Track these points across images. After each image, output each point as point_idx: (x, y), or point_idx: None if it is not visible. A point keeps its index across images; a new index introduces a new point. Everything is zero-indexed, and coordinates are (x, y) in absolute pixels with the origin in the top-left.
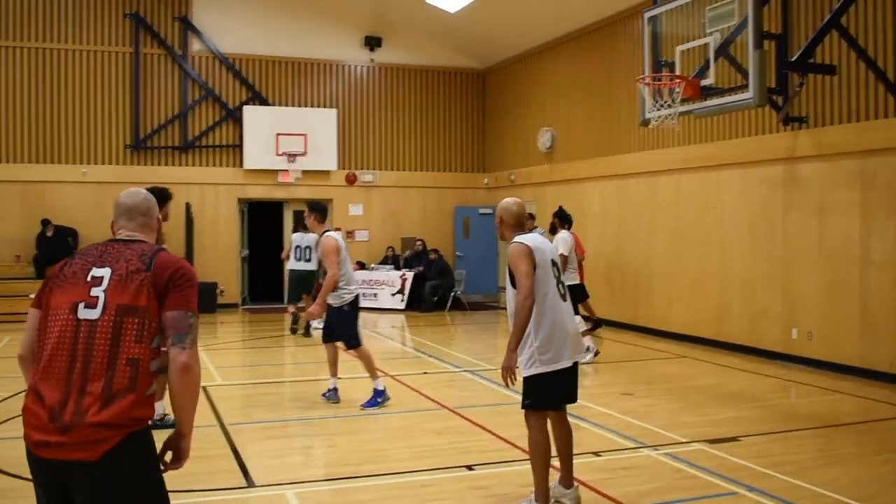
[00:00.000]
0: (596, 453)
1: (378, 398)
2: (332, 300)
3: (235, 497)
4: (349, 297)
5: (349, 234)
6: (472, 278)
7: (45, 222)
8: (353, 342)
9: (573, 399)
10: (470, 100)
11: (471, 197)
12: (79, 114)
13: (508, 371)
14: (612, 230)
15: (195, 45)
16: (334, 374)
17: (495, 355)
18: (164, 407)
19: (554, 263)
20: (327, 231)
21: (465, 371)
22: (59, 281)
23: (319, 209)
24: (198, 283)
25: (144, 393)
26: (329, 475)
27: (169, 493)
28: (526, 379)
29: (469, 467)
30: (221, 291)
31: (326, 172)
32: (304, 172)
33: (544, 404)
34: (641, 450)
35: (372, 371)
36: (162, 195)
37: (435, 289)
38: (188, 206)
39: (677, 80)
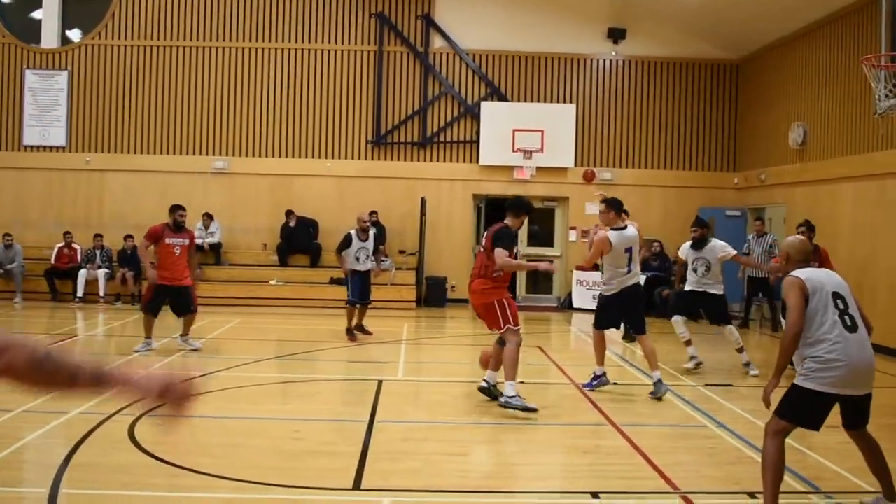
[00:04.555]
0: (751, 494)
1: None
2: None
3: (332, 498)
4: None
5: (584, 234)
6: None
7: (289, 213)
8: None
9: (851, 426)
10: (722, 93)
11: (718, 197)
12: (326, 110)
13: (765, 395)
14: (865, 239)
15: (436, 42)
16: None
17: (704, 370)
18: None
19: (838, 296)
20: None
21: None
22: None
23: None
24: None
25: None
26: (438, 486)
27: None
28: (791, 387)
29: (595, 495)
30: (453, 286)
31: (563, 169)
32: (540, 169)
33: (791, 417)
34: (810, 496)
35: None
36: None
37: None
38: (423, 201)
39: None
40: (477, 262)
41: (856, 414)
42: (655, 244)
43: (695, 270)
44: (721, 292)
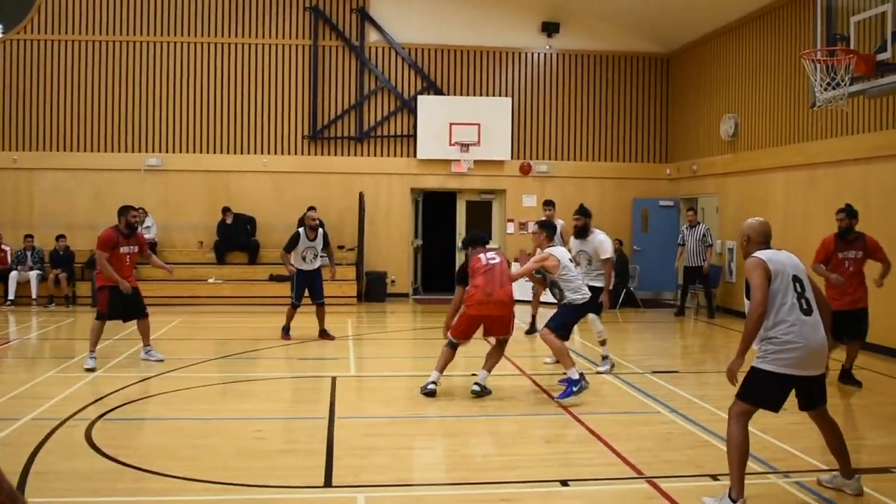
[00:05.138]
0: (714, 476)
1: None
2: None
3: (306, 496)
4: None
5: (522, 226)
6: (650, 274)
7: (225, 210)
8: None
9: (809, 406)
10: (653, 86)
11: (651, 188)
12: (261, 105)
13: (730, 373)
14: (797, 227)
15: (372, 36)
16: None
17: (648, 357)
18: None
19: (797, 279)
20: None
21: (610, 373)
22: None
23: (549, 227)
24: None
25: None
26: (409, 480)
27: (241, 487)
28: (750, 370)
29: (564, 482)
30: (392, 281)
31: (500, 162)
32: (477, 162)
33: (752, 399)
34: (769, 476)
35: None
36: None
37: (616, 286)
38: (361, 196)
39: (849, 56)
40: (497, 272)
41: (813, 394)
42: None
43: (578, 263)
44: (601, 284)
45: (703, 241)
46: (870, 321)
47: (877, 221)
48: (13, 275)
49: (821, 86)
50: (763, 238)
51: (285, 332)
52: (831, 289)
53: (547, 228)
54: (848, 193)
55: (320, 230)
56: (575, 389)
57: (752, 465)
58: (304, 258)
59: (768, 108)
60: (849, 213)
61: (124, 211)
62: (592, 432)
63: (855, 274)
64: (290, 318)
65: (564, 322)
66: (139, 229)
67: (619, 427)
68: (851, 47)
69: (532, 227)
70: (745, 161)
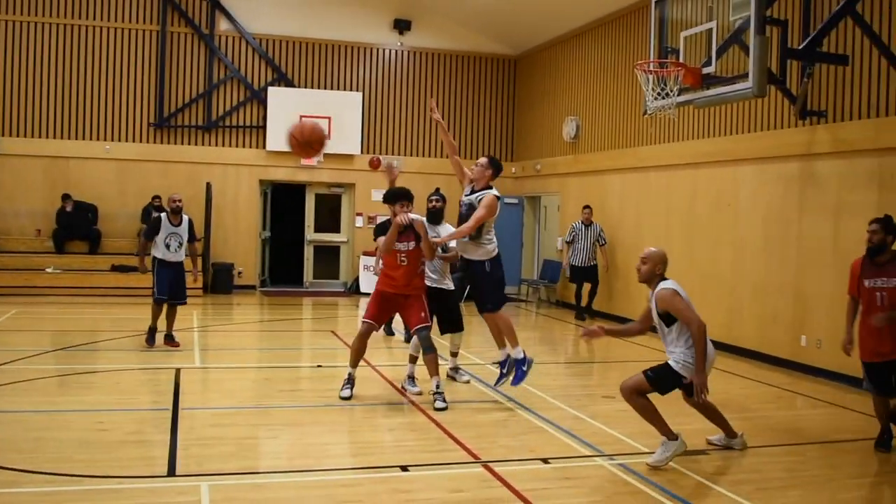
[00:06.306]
0: (544, 460)
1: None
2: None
3: (149, 486)
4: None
5: (371, 220)
6: None
7: (65, 197)
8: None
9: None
10: (501, 87)
11: (497, 186)
12: (104, 91)
13: (702, 387)
14: (631, 226)
15: (222, 25)
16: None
17: (489, 350)
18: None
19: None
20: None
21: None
22: None
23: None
24: None
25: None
26: (253, 468)
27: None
28: (667, 367)
29: (403, 468)
30: (239, 273)
31: (349, 156)
32: (327, 156)
33: (658, 387)
34: (595, 459)
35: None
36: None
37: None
38: (208, 186)
39: (678, 68)
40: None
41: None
42: None
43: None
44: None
45: (599, 240)
46: (740, 327)
47: (702, 223)
48: None
49: (652, 95)
50: (665, 268)
51: (151, 334)
52: (867, 333)
53: (495, 166)
54: (677, 196)
55: (184, 216)
56: (525, 368)
57: (580, 449)
58: (167, 246)
59: (607, 113)
60: (885, 224)
61: None
62: (433, 420)
63: (890, 309)
64: (155, 316)
65: (502, 289)
66: None
67: (460, 415)
68: (681, 60)
69: (482, 160)
70: (585, 162)
